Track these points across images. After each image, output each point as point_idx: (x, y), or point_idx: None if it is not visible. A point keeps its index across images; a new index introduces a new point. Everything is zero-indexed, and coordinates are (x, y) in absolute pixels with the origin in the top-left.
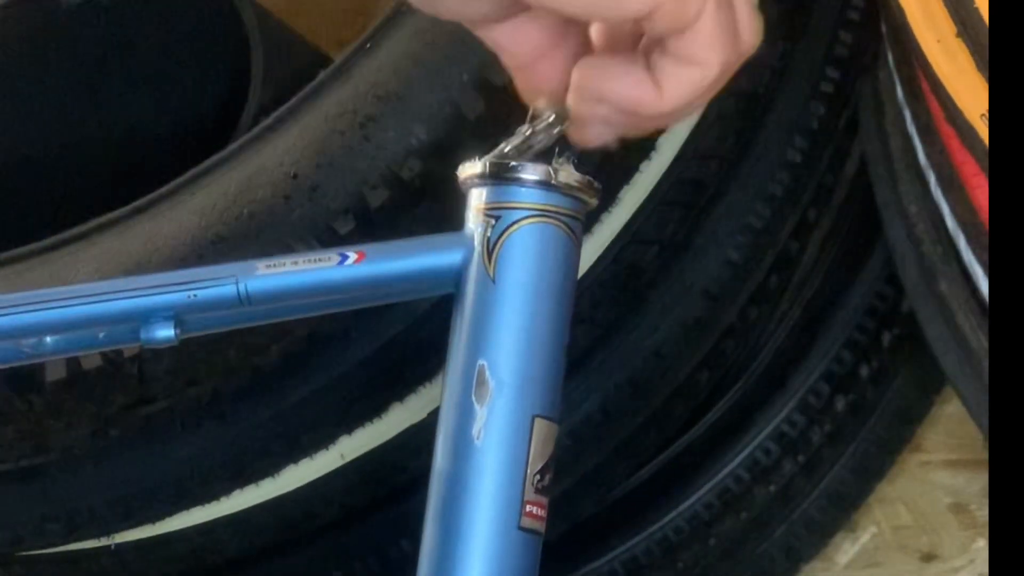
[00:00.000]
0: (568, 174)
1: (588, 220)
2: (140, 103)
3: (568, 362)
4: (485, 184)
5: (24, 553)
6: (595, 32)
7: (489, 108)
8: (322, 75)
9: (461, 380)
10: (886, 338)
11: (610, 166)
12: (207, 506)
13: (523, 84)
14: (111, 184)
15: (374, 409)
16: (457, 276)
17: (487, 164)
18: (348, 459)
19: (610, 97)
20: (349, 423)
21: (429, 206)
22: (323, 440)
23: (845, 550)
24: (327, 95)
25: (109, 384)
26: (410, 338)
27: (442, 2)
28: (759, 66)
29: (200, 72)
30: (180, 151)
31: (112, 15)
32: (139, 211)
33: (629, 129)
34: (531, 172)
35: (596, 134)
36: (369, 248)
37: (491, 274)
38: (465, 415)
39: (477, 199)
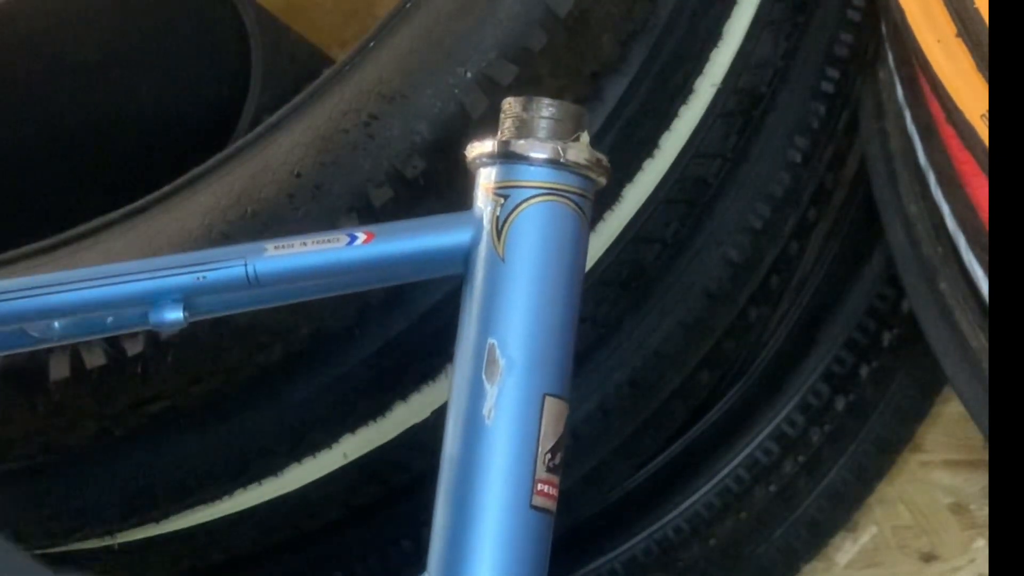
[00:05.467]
0: (577, 153)
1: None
2: (140, 103)
3: None
4: (494, 163)
5: (27, 552)
6: None
7: (493, 106)
8: (326, 73)
9: (472, 359)
10: (886, 338)
11: (613, 163)
12: (210, 505)
13: None
14: (112, 184)
15: (377, 408)
16: (466, 255)
17: (496, 143)
18: (351, 458)
19: None
20: (352, 422)
21: (433, 204)
22: (326, 439)
23: (845, 550)
24: (331, 94)
25: (113, 383)
26: (414, 336)
27: None
28: (761, 65)
29: (200, 72)
30: (180, 151)
31: (113, 15)
32: (142, 210)
33: None
34: (540, 151)
35: None
36: (378, 228)
37: (500, 253)
38: (476, 394)
39: (486, 178)
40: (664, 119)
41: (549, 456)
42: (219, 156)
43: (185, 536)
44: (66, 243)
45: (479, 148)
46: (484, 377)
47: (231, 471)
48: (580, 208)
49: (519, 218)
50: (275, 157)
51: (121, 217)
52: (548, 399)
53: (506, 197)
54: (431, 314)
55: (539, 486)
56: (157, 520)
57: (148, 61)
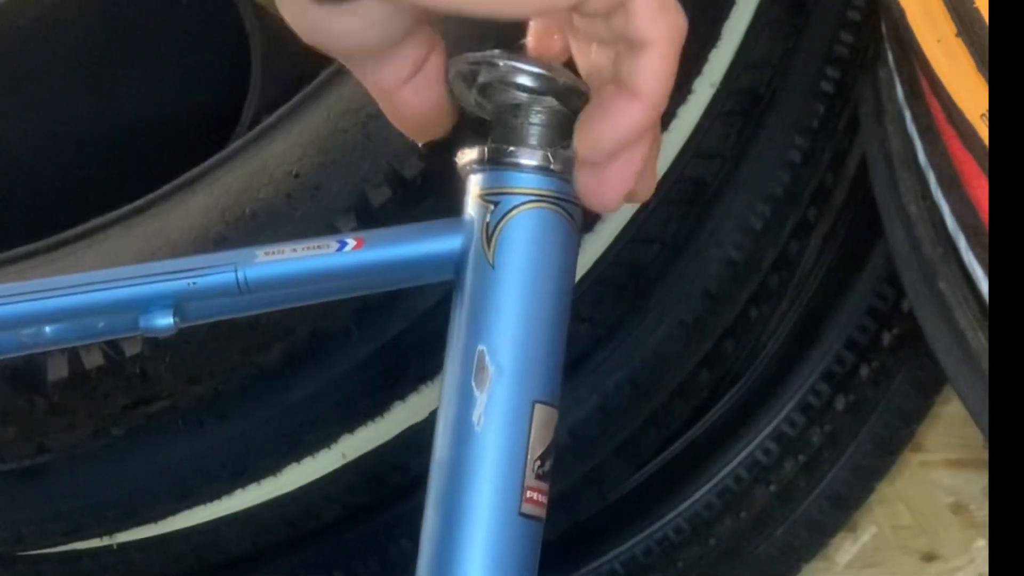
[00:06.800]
0: (567, 159)
1: (591, 218)
2: (139, 103)
3: (568, 361)
4: (484, 169)
5: (26, 553)
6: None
7: None
8: (324, 74)
9: (461, 366)
10: (886, 338)
11: None
12: (209, 505)
13: (388, 111)
14: (110, 184)
15: (376, 408)
16: (456, 262)
17: (486, 149)
18: (350, 458)
19: (611, 137)
20: (351, 422)
21: (431, 204)
22: (325, 439)
23: (845, 550)
24: (329, 93)
25: (111, 383)
26: (412, 336)
27: (334, 37)
28: (761, 65)
29: (200, 72)
30: (179, 151)
31: (111, 14)
32: (140, 211)
33: (639, 159)
34: (529, 157)
35: (619, 185)
36: (368, 235)
37: (490, 259)
38: (465, 401)
39: (476, 185)
40: (663, 119)
41: (538, 463)
42: (217, 156)
43: (185, 536)
44: (65, 243)
45: (469, 154)
46: (473, 384)
47: (231, 471)
48: (570, 215)
49: (509, 225)
50: (273, 157)
51: (120, 217)
52: (537, 406)
53: (496, 204)
54: (430, 314)
55: (528, 493)
56: (156, 520)
57: (147, 61)
